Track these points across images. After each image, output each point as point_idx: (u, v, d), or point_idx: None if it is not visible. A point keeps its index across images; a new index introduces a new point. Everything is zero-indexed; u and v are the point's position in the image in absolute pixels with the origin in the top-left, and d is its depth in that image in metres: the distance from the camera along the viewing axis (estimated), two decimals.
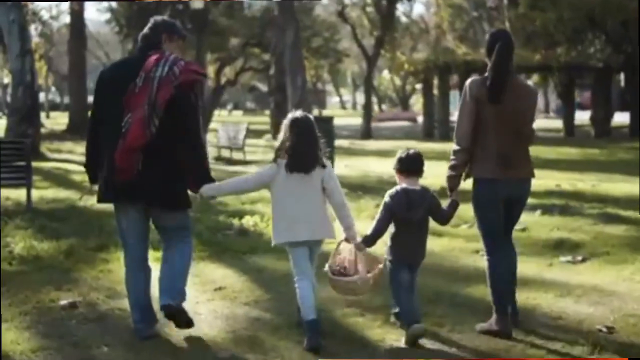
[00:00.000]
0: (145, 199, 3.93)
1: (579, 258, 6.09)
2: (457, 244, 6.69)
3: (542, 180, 11.28)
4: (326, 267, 4.21)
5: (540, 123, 37.23)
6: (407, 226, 4.06)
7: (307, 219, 3.97)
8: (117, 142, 3.78)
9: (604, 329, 4.20)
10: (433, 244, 6.14)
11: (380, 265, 4.20)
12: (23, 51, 18.12)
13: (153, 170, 3.83)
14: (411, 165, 4.11)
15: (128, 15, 33.35)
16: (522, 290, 4.66)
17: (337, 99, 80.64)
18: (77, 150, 21.76)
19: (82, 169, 15.65)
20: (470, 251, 6.38)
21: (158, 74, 3.81)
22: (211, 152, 16.18)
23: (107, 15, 37.53)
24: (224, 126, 18.10)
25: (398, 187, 4.10)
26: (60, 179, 12.82)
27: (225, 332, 4.26)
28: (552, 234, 7.21)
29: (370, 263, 4.18)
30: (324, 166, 4.00)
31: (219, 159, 16.56)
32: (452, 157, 4.10)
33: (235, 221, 7.63)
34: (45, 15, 34.09)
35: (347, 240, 4.15)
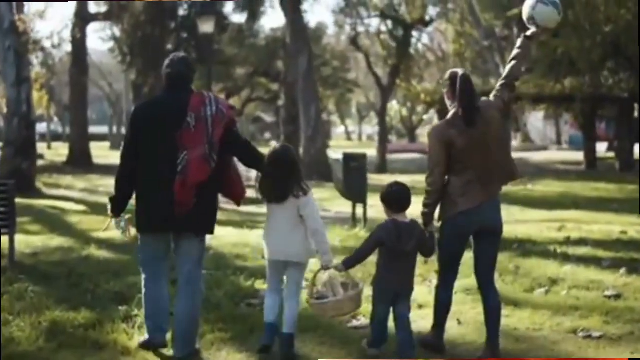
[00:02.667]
0: (179, 227, 4.21)
1: None
2: (544, 318, 5.27)
3: (599, 226, 10.00)
4: (307, 298, 4.44)
5: (554, 155, 36.51)
6: (397, 257, 4.18)
7: (281, 242, 4.32)
8: (165, 177, 4.07)
9: None
10: (510, 321, 5.01)
11: (359, 287, 4.34)
12: (19, 79, 16.98)
13: (202, 202, 4.14)
14: (399, 200, 4.27)
15: (131, 44, 32.32)
16: None
17: (342, 129, 79.59)
18: (77, 185, 20.50)
19: (79, 207, 13.86)
20: (565, 330, 4.98)
21: (209, 114, 4.12)
22: None
23: (110, 44, 36.56)
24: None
25: (388, 219, 4.26)
26: (54, 222, 11.46)
27: None
28: None
29: (348, 287, 4.35)
30: (297, 197, 4.24)
31: None
32: (426, 197, 4.36)
33: (261, 285, 6.24)
34: (46, 43, 32.87)
35: (323, 268, 4.29)
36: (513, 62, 4.54)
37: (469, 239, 4.42)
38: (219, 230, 9.66)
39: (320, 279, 4.41)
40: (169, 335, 4.46)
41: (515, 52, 4.57)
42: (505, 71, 4.60)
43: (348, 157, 9.32)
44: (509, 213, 12.17)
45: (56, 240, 9.09)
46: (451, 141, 4.23)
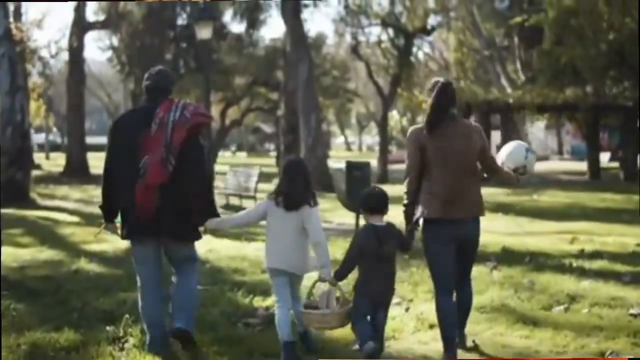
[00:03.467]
0: (162, 233, 4.29)
1: None
2: (566, 339, 4.85)
3: (613, 238, 9.59)
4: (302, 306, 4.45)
5: (556, 165, 36.12)
6: (378, 262, 4.21)
7: (285, 251, 4.33)
8: (135, 182, 4.14)
9: None
10: (531, 343, 4.68)
11: (349, 306, 4.31)
12: (13, 88, 16.59)
13: (169, 207, 4.20)
14: (377, 204, 4.31)
15: (129, 54, 32.00)
16: None
17: (341, 139, 79.27)
18: (72, 195, 20.08)
19: (73, 219, 13.51)
20: (591, 353, 4.56)
21: (172, 119, 4.21)
22: (218, 200, 14.39)
23: (109, 54, 36.25)
24: (233, 170, 16.28)
25: (367, 224, 4.31)
26: (46, 233, 11.03)
27: None
28: None
29: (343, 302, 4.38)
30: (311, 206, 4.33)
31: (228, 207, 14.78)
32: (404, 197, 4.45)
33: (260, 302, 5.83)
34: (44, 52, 32.56)
35: (321, 280, 4.30)
36: (500, 172, 4.68)
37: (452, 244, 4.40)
38: (215, 242, 9.44)
39: (319, 289, 4.44)
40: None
41: (504, 170, 4.69)
42: (498, 159, 4.71)
43: (351, 166, 8.94)
44: (516, 224, 11.83)
45: (45, 253, 8.69)
46: (423, 145, 4.33)
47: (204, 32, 12.73)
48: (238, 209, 14.77)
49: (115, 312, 5.41)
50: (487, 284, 6.42)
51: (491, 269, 7.19)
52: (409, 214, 4.43)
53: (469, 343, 4.70)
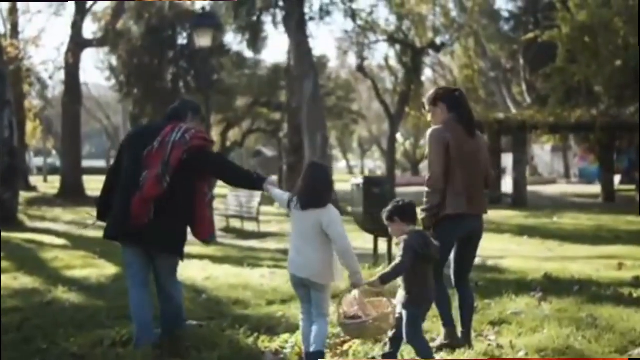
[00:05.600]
0: (148, 243, 4.53)
1: None
2: None
3: None
4: (336, 319, 4.28)
5: (565, 188, 35.04)
6: (426, 264, 4.15)
7: (303, 257, 4.16)
8: (133, 192, 4.44)
9: None
10: None
11: (391, 308, 4.11)
12: (1, 103, 15.62)
13: (161, 221, 4.45)
14: (413, 212, 4.23)
15: (128, 73, 31.11)
16: None
17: (343, 164, 78.39)
18: (64, 217, 19.05)
19: (60, 241, 12.47)
20: None
21: (172, 139, 4.50)
22: (218, 222, 13.31)
23: (107, 74, 35.41)
24: (234, 191, 15.18)
25: (411, 230, 4.17)
26: (27, 258, 9.95)
27: None
28: None
29: (378, 306, 4.18)
30: (323, 206, 4.13)
31: (228, 230, 13.70)
32: (425, 200, 4.50)
33: (266, 342, 4.74)
34: (41, 71, 31.61)
35: (353, 287, 4.13)
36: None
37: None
38: (213, 269, 8.33)
39: (346, 299, 4.22)
40: None
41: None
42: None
43: (369, 182, 7.83)
44: (546, 248, 10.79)
45: (20, 281, 7.60)
46: (447, 144, 4.46)
47: (203, 40, 11.77)
48: (239, 232, 13.73)
49: (86, 357, 4.33)
50: (540, 320, 5.33)
51: (539, 300, 6.11)
52: (430, 218, 4.47)
53: None
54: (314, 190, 4.15)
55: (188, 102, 5.00)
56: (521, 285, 6.75)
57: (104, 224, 4.73)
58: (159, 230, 4.43)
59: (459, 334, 4.66)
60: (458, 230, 4.53)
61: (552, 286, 6.79)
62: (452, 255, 4.73)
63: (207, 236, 4.79)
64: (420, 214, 4.43)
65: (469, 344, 4.60)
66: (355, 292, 4.17)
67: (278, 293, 6.38)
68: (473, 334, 4.89)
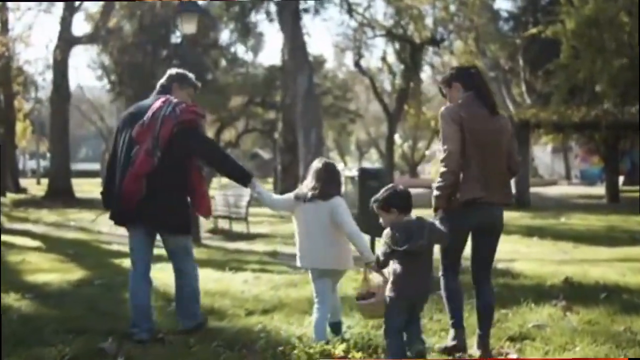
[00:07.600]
0: (148, 222, 4.55)
1: None
2: None
3: None
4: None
5: (566, 190, 34.27)
6: (413, 257, 3.86)
7: (313, 248, 4.32)
8: (127, 171, 4.45)
9: None
10: None
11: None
12: None
13: (156, 197, 4.44)
14: (404, 199, 3.98)
15: (119, 72, 30.29)
16: None
17: (341, 166, 77.80)
18: (47, 219, 18.15)
19: (34, 243, 11.49)
20: None
21: (162, 114, 4.49)
22: (205, 224, 12.44)
23: (101, 75, 34.60)
24: (222, 191, 14.28)
25: (394, 223, 3.93)
26: None
27: None
28: None
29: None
30: (330, 198, 4.30)
31: (215, 232, 12.83)
32: (440, 179, 4.15)
33: None
34: (30, 69, 30.76)
35: (366, 264, 4.19)
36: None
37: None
38: None
39: (372, 280, 4.17)
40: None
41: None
42: None
43: (365, 174, 6.86)
44: (559, 250, 9.95)
45: None
46: (462, 123, 4.13)
47: (188, 27, 10.95)
48: (227, 233, 12.88)
49: None
50: (569, 334, 4.49)
51: (563, 309, 5.26)
52: (442, 198, 4.11)
53: None
54: (332, 183, 4.35)
55: (172, 74, 4.86)
56: (540, 292, 5.91)
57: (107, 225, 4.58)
58: (156, 207, 4.42)
59: (477, 337, 4.23)
60: (471, 219, 4.15)
61: (575, 293, 5.95)
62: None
63: (209, 212, 4.81)
64: (434, 192, 4.16)
65: (485, 350, 4.13)
66: (368, 273, 4.17)
67: (260, 301, 5.55)
68: (492, 352, 4.06)
